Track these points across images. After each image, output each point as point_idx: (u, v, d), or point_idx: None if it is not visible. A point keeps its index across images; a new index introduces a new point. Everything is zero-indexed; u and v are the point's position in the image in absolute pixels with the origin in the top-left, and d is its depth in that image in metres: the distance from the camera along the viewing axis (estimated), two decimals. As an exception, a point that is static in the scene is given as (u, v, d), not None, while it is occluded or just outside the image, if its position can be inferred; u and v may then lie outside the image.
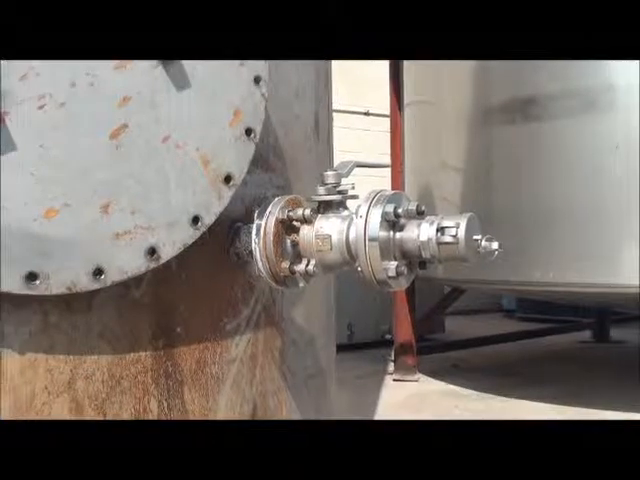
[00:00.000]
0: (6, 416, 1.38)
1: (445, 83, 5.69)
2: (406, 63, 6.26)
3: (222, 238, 1.70)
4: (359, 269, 1.62)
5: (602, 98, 4.60)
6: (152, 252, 1.47)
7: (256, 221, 1.66)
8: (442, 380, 5.95)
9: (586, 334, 8.11)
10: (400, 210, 1.59)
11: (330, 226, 1.66)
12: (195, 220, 1.53)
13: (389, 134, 6.65)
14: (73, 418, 1.46)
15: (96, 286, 1.41)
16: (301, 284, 1.71)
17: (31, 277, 1.34)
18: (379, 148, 9.04)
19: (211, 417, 1.69)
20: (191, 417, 1.65)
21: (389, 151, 6.62)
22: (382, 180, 6.83)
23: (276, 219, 1.65)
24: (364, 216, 1.59)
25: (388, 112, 6.71)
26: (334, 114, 2.69)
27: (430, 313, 6.94)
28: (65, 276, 1.37)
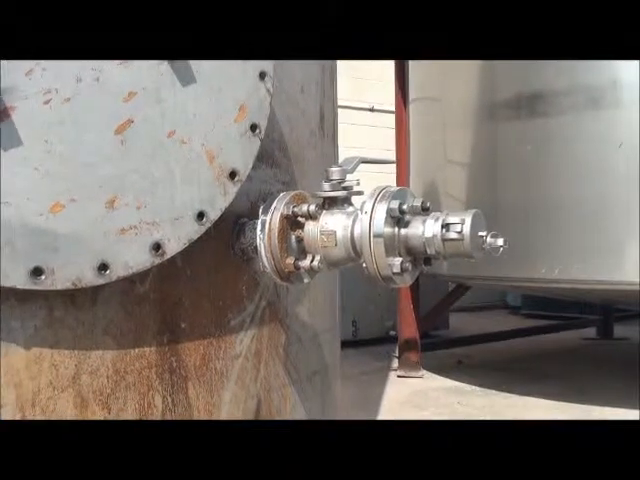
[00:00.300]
0: (11, 411, 1.38)
1: (451, 79, 5.67)
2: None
3: (227, 234, 1.70)
4: (364, 265, 1.61)
5: (607, 95, 4.58)
6: (157, 247, 1.47)
7: (261, 217, 1.66)
8: (446, 376, 5.94)
9: (590, 331, 8.10)
10: (405, 206, 1.59)
11: (335, 222, 1.66)
12: (200, 215, 1.53)
13: (394, 130, 6.65)
14: (78, 413, 1.46)
15: (101, 281, 1.41)
16: (306, 280, 1.71)
17: (36, 272, 1.34)
18: (384, 144, 9.04)
19: (215, 413, 1.69)
20: (195, 413, 1.65)
21: (394, 147, 6.61)
22: (387, 176, 6.81)
23: (281, 215, 1.64)
24: (369, 212, 1.59)
25: (393, 108, 6.71)
26: (339, 110, 2.68)
27: (434, 310, 6.93)
28: (70, 271, 1.37)
